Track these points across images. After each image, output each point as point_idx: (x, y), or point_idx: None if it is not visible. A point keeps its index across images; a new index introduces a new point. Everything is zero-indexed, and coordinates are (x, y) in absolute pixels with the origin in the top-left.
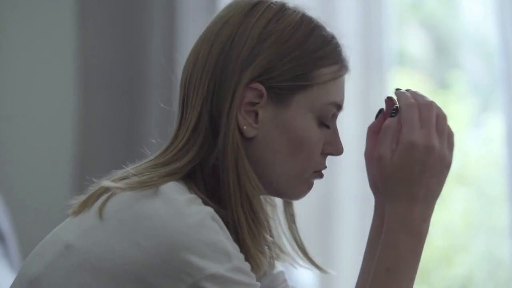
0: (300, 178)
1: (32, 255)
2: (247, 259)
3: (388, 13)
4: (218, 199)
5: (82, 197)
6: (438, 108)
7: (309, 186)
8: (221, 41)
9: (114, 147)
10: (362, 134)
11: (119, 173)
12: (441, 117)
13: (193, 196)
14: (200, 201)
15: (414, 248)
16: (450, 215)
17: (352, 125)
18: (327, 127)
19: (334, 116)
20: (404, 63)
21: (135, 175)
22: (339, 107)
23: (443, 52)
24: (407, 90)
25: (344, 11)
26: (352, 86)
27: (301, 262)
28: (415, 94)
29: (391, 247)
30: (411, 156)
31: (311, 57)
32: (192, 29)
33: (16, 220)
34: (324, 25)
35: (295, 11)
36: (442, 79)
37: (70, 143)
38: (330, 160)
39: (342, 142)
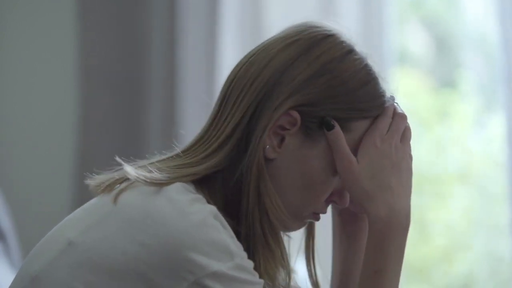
0: (298, 214)
1: (34, 252)
2: (257, 271)
3: (388, 12)
4: (231, 213)
5: (105, 178)
6: (409, 127)
7: (303, 224)
8: (281, 60)
9: (114, 146)
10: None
11: (145, 162)
12: (408, 130)
13: (197, 195)
14: (204, 200)
15: (399, 244)
16: (451, 213)
17: None
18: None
19: None
20: (405, 62)
21: (159, 170)
22: None
23: (444, 50)
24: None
25: (345, 9)
26: None
27: None
28: (397, 111)
29: (379, 248)
30: (377, 155)
31: (356, 106)
32: (192, 29)
33: (16, 218)
34: (381, 79)
35: (360, 57)
36: (443, 77)
37: (70, 142)
38: None
39: (348, 199)
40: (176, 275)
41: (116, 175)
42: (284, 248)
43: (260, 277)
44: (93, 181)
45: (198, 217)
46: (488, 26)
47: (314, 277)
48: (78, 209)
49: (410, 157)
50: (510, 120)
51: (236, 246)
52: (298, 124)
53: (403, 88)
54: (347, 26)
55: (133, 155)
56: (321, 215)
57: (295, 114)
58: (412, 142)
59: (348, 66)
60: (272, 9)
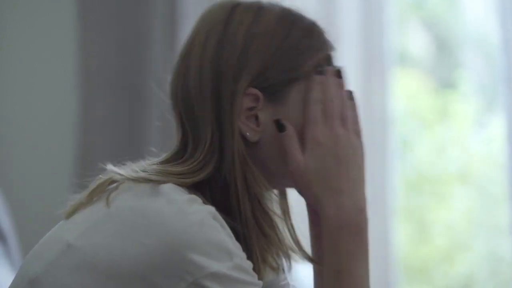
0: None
1: (32, 254)
2: (256, 264)
3: (389, 12)
4: (225, 210)
5: (85, 192)
6: (344, 98)
7: None
8: (209, 56)
9: (114, 147)
10: (362, 133)
11: (129, 165)
12: (345, 108)
13: (193, 195)
14: (200, 200)
15: (357, 242)
16: (452, 213)
17: None
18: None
19: None
20: (405, 62)
21: (146, 172)
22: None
23: (445, 51)
24: (322, 74)
25: (345, 10)
26: (353, 85)
27: (296, 256)
28: (325, 87)
29: (335, 248)
30: (321, 153)
31: (296, 51)
32: None
33: (16, 219)
34: (302, 13)
35: (271, 9)
36: (443, 78)
37: (70, 143)
38: None
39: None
40: (175, 276)
41: (102, 177)
42: (280, 231)
43: (259, 269)
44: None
45: (197, 217)
46: (488, 27)
47: (293, 234)
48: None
49: (357, 136)
50: (510, 121)
51: (235, 246)
52: (261, 97)
53: (404, 88)
54: (347, 26)
55: (133, 155)
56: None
57: (252, 90)
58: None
59: (265, 23)
60: None
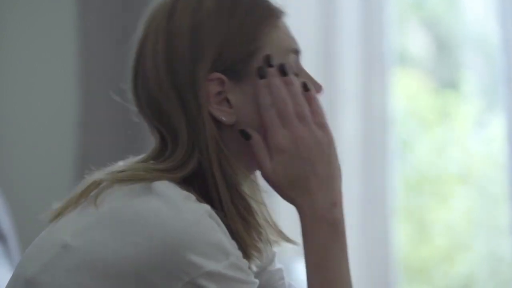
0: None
1: (27, 255)
2: (245, 254)
3: (389, 12)
4: (209, 203)
5: (71, 195)
6: (295, 95)
7: None
8: (161, 53)
9: (115, 147)
10: (362, 133)
11: (111, 168)
12: (299, 104)
13: (187, 193)
14: (194, 198)
15: (333, 236)
16: (452, 213)
17: (353, 125)
18: (296, 75)
19: (298, 62)
20: (405, 62)
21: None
22: (295, 51)
23: (445, 51)
24: (262, 75)
25: (345, 10)
26: (353, 85)
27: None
28: (273, 88)
29: (311, 242)
30: (286, 159)
31: (246, 24)
32: None
33: (16, 219)
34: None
35: None
36: (444, 78)
37: (71, 143)
38: None
39: (317, 80)
40: (171, 275)
41: (87, 180)
42: (259, 217)
43: (248, 258)
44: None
45: (194, 217)
46: (489, 27)
47: (269, 219)
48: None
49: (320, 127)
50: (511, 121)
51: (231, 245)
52: (225, 80)
53: (404, 88)
54: (347, 26)
55: (133, 155)
56: None
57: (215, 75)
58: (413, 144)
59: (207, 7)
60: None
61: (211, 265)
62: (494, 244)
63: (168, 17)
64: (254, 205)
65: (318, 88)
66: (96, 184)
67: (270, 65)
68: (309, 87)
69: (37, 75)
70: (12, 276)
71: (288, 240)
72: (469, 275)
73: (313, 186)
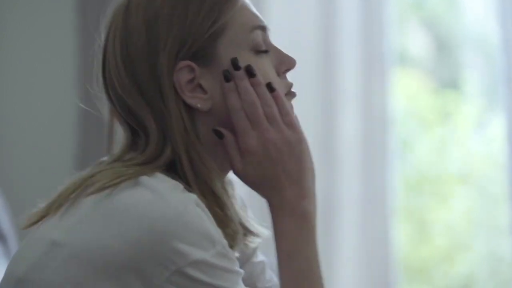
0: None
1: (16, 255)
2: None
3: (389, 12)
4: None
5: (50, 199)
6: (264, 96)
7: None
8: (119, 50)
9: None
10: (362, 133)
11: (89, 171)
12: (268, 105)
13: (174, 182)
14: (182, 187)
15: (303, 227)
16: (452, 213)
17: (353, 125)
18: (265, 51)
19: (265, 38)
20: (406, 63)
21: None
22: (262, 27)
23: (445, 51)
24: (228, 79)
25: (345, 10)
26: (353, 85)
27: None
28: (241, 91)
29: (282, 234)
30: (256, 161)
31: (204, 8)
32: None
33: (16, 219)
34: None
35: None
36: (444, 78)
37: (71, 142)
38: (330, 160)
39: (289, 54)
40: (158, 264)
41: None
42: (230, 211)
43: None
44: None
45: (180, 205)
46: (489, 27)
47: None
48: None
49: (289, 127)
50: (511, 121)
51: (217, 234)
52: (194, 66)
53: (404, 88)
54: (347, 26)
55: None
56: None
57: (182, 63)
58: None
59: (160, 1)
60: (272, 9)
61: (198, 254)
62: (494, 244)
63: (123, 15)
64: (226, 199)
65: (292, 62)
66: (76, 188)
67: (237, 68)
68: (274, 87)
69: (37, 75)
70: (3, 277)
71: (255, 234)
72: (469, 275)
73: (283, 183)
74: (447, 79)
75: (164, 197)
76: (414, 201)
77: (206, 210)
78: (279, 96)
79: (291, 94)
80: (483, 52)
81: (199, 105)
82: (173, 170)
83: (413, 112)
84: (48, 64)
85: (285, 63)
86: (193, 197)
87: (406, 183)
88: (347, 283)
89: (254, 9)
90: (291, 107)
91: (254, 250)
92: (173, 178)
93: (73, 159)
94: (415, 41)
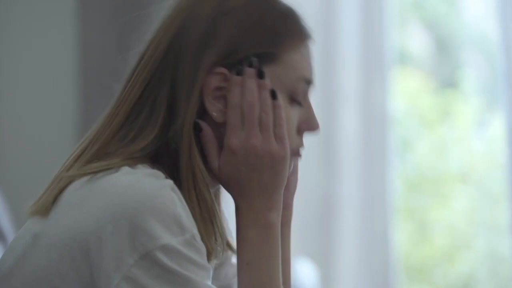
0: None
1: (4, 254)
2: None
3: (389, 12)
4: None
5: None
6: (264, 100)
7: (291, 168)
8: (173, 27)
9: None
10: (362, 133)
11: (70, 161)
12: (265, 112)
13: (154, 170)
14: (162, 175)
15: (266, 238)
16: (453, 213)
17: (353, 125)
18: (300, 104)
19: (305, 93)
20: (406, 62)
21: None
22: (308, 81)
23: (445, 50)
24: (239, 74)
25: (345, 10)
26: (353, 85)
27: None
28: (245, 89)
29: (244, 242)
30: (234, 161)
31: (271, 34)
32: None
33: (16, 218)
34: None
35: None
36: (444, 78)
37: (70, 142)
38: (330, 159)
39: (317, 118)
40: (128, 244)
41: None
42: (218, 221)
43: (209, 251)
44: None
45: (155, 186)
46: (489, 26)
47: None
48: None
49: (278, 139)
50: (511, 120)
51: (189, 222)
52: (229, 78)
53: (404, 88)
54: (347, 26)
55: None
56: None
57: (221, 70)
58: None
59: (236, 3)
60: None
61: (166, 237)
62: (494, 244)
63: (192, 2)
64: (213, 205)
65: (316, 127)
66: (63, 182)
67: (250, 65)
68: (276, 96)
69: (37, 75)
70: None
71: (232, 250)
72: (469, 274)
73: (254, 191)
74: (447, 79)
75: (139, 180)
76: (414, 200)
77: (182, 197)
78: (279, 105)
79: (297, 154)
80: (483, 51)
81: (214, 114)
82: (161, 163)
83: (413, 112)
84: (48, 64)
85: (309, 125)
86: (169, 182)
87: (406, 182)
88: (347, 283)
89: (311, 61)
90: (292, 165)
91: (229, 255)
92: (158, 169)
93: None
94: (415, 41)
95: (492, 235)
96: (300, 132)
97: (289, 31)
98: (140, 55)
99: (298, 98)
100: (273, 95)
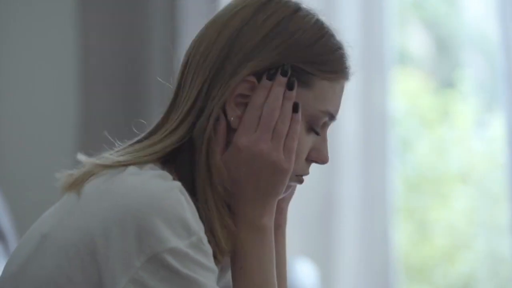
0: None
1: (13, 253)
2: (218, 250)
3: (389, 12)
4: (193, 190)
5: (71, 177)
6: (285, 111)
7: (290, 189)
8: (229, 31)
9: (114, 146)
10: (362, 133)
11: (108, 153)
12: (283, 123)
13: (163, 172)
14: (169, 176)
15: (258, 243)
16: (452, 213)
17: (353, 125)
18: (317, 133)
19: (325, 125)
20: (406, 62)
21: (120, 155)
22: (332, 116)
23: (445, 51)
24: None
25: (345, 10)
26: (353, 85)
27: None
28: (271, 95)
29: (237, 245)
30: (237, 159)
31: (313, 61)
32: (193, 29)
33: (17, 219)
34: (335, 32)
35: (308, 14)
36: (444, 78)
37: (71, 142)
38: (330, 160)
39: (329, 152)
40: (135, 247)
41: (77, 171)
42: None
43: (222, 252)
44: (60, 181)
45: (162, 187)
46: (488, 26)
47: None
48: (51, 208)
49: (287, 152)
50: (511, 120)
51: (197, 225)
52: (257, 87)
53: (404, 88)
54: (347, 25)
55: None
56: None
57: (252, 79)
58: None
59: (297, 25)
60: None
61: (173, 240)
62: (494, 244)
63: (259, 7)
64: (224, 212)
65: (325, 160)
66: (87, 176)
67: (284, 75)
68: (297, 110)
69: (37, 74)
70: (1, 275)
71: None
72: (469, 274)
73: (249, 194)
74: (447, 79)
75: (146, 181)
76: (414, 200)
77: (190, 199)
78: (297, 120)
79: (299, 179)
80: (483, 51)
81: (232, 119)
82: (173, 168)
83: (413, 112)
84: (48, 64)
85: (320, 155)
86: (177, 184)
87: (406, 182)
88: (347, 283)
89: (341, 98)
90: (293, 189)
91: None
92: (168, 167)
93: (74, 159)
94: (415, 41)
95: (492, 235)
96: (308, 159)
97: (332, 64)
98: (191, 53)
99: (316, 129)
100: (295, 108)
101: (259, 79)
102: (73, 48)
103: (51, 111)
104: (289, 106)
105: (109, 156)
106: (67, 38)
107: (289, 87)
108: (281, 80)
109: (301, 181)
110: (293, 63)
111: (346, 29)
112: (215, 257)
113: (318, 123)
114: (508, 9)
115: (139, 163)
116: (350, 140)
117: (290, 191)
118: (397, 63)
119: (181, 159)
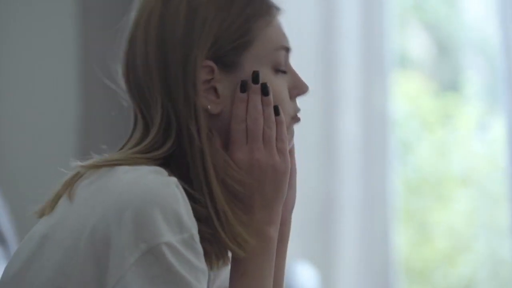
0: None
1: (13, 255)
2: (221, 248)
3: (389, 14)
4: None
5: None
6: (269, 117)
7: (291, 134)
8: (153, 36)
9: (114, 146)
10: (363, 135)
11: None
12: (269, 127)
13: (159, 167)
14: (165, 172)
15: (264, 251)
16: (454, 215)
17: (353, 127)
18: (284, 72)
19: (287, 60)
20: (407, 65)
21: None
22: (286, 49)
23: (445, 53)
24: (244, 87)
25: (345, 12)
26: (353, 87)
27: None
28: (250, 105)
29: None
30: (237, 173)
31: (243, 16)
32: None
33: (16, 220)
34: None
35: None
36: (445, 80)
37: (71, 143)
38: (331, 161)
39: (304, 80)
40: (132, 243)
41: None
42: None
43: (222, 255)
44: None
45: (159, 181)
46: (489, 29)
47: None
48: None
49: (281, 154)
50: (511, 122)
51: (189, 222)
52: (215, 68)
53: (405, 91)
54: (348, 28)
55: None
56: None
57: (206, 62)
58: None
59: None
60: None
61: (166, 235)
62: (495, 246)
63: (163, 1)
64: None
65: (305, 88)
66: (76, 177)
67: (256, 82)
68: (279, 111)
69: (38, 75)
70: (1, 276)
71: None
72: (470, 276)
73: (256, 204)
74: (447, 81)
75: (143, 176)
76: (414, 202)
77: (185, 195)
78: (281, 121)
79: (296, 119)
80: (484, 54)
81: (209, 107)
82: (166, 166)
83: (414, 114)
84: (48, 64)
85: (298, 88)
86: (173, 179)
87: (406, 184)
88: (348, 285)
89: (284, 30)
90: (293, 132)
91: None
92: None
93: (72, 159)
94: (416, 43)
95: (492, 237)
96: (292, 98)
97: (258, 12)
98: (129, 71)
99: (281, 68)
100: (276, 111)
101: (211, 59)
102: (74, 48)
103: (51, 111)
104: (270, 111)
105: (98, 159)
106: (67, 38)
107: (264, 93)
108: (255, 88)
109: (298, 119)
110: (226, 34)
111: (347, 31)
112: (210, 261)
113: (280, 62)
114: (508, 11)
115: (130, 164)
116: (350, 142)
117: (292, 201)
118: (397, 66)
119: (175, 163)
